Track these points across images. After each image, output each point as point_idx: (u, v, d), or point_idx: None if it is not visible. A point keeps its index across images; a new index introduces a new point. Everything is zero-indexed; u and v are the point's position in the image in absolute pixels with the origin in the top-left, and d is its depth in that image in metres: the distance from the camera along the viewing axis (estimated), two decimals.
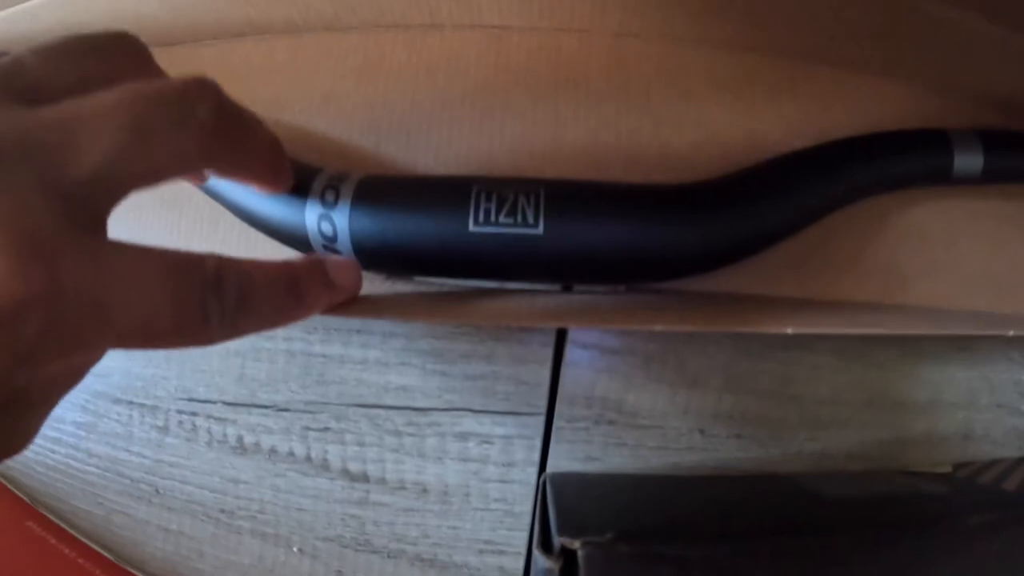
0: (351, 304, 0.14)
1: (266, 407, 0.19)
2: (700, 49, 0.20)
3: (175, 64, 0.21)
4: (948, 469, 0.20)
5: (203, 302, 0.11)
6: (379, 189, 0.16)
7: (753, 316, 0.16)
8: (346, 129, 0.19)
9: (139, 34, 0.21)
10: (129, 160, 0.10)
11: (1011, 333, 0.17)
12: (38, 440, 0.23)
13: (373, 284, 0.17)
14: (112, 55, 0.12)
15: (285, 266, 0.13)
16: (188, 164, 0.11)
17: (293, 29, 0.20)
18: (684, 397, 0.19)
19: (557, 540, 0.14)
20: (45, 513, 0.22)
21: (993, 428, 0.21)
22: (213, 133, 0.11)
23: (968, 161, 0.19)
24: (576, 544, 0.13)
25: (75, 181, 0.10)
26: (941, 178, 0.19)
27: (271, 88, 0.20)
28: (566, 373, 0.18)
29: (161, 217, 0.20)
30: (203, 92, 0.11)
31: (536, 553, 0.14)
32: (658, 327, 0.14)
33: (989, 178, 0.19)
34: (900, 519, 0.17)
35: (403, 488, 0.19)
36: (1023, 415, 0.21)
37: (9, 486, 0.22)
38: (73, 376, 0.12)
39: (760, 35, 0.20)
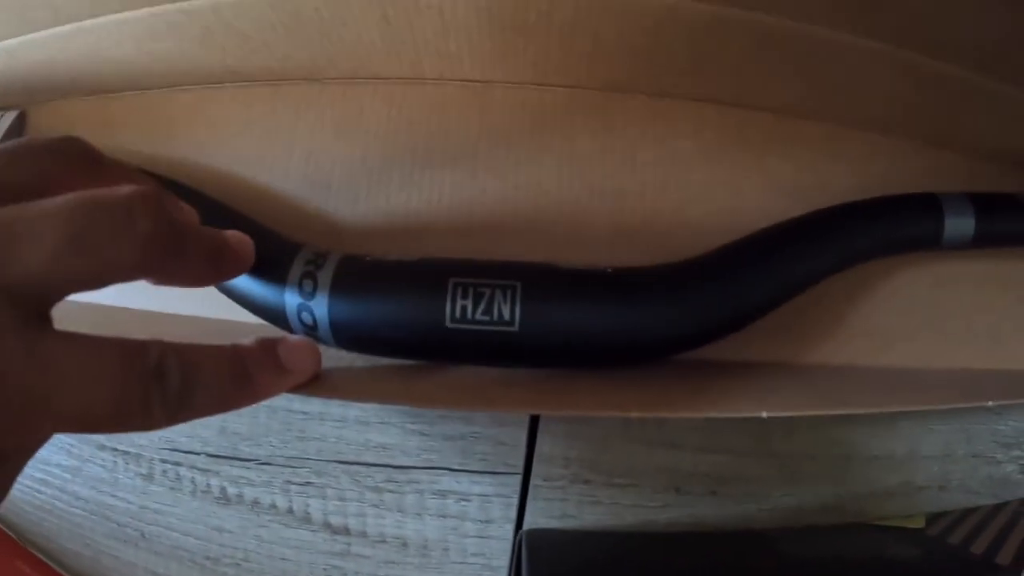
0: (311, 384, 0.14)
1: (248, 460, 0.20)
2: (687, 105, 0.19)
3: (151, 109, 0.21)
4: (920, 523, 0.21)
5: (146, 391, 0.11)
6: (356, 277, 0.16)
7: (730, 398, 0.16)
8: (324, 189, 0.19)
9: (116, 75, 0.20)
10: (66, 267, 0.10)
11: (990, 404, 0.17)
12: (25, 480, 0.23)
13: (352, 359, 0.17)
14: (65, 158, 0.12)
15: (233, 352, 0.13)
16: (125, 273, 0.11)
17: (272, 79, 0.19)
18: (660, 456, 0.19)
19: None
20: (34, 552, 0.22)
21: (969, 478, 0.21)
22: (152, 246, 0.11)
23: (959, 225, 0.19)
24: None
25: (14, 281, 0.10)
26: (932, 243, 0.19)
27: (249, 142, 0.19)
28: (543, 433, 0.18)
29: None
30: (145, 205, 0.11)
31: None
32: (634, 414, 0.14)
33: (979, 243, 0.19)
34: None
35: (384, 542, 0.19)
36: (998, 464, 0.21)
37: None
38: (23, 452, 0.12)
39: (751, 92, 0.19)
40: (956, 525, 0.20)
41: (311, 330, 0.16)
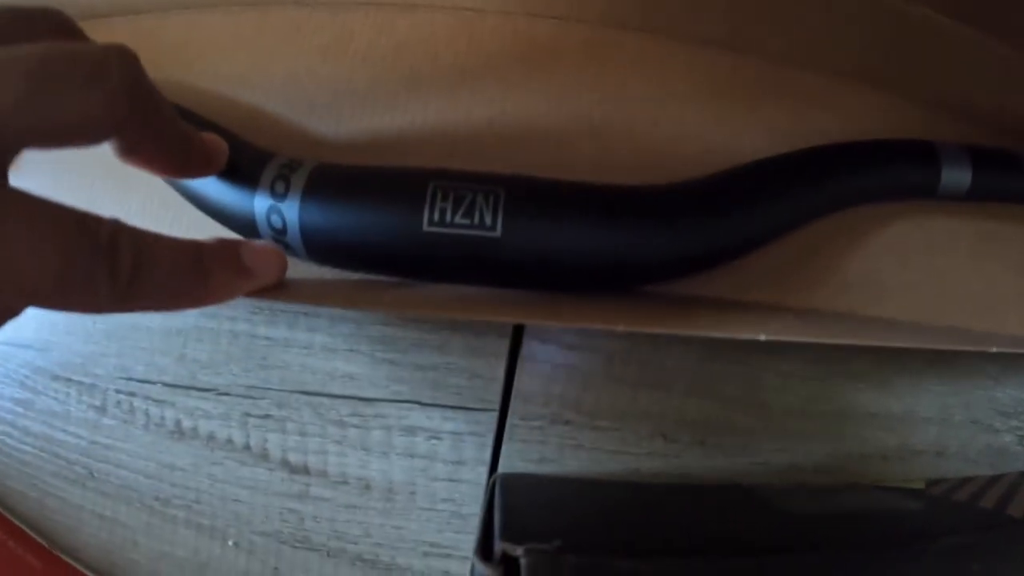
0: (272, 289, 0.14)
1: (206, 390, 0.18)
2: (681, 45, 0.19)
3: (140, 34, 0.21)
4: (921, 485, 0.20)
5: (93, 264, 0.10)
6: (331, 181, 0.15)
7: (726, 320, 0.15)
8: (306, 111, 0.18)
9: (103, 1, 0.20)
10: (29, 113, 0.10)
11: (994, 349, 0.16)
12: None
13: (322, 273, 0.16)
14: (38, 22, 0.11)
15: (192, 245, 0.12)
16: (93, 127, 0.11)
17: (261, 2, 0.19)
18: (646, 399, 0.18)
19: (499, 546, 0.13)
20: None
21: (967, 445, 0.20)
22: (124, 100, 0.11)
23: (956, 177, 0.18)
24: (518, 551, 0.12)
25: None
26: (927, 192, 0.19)
27: (234, 64, 0.19)
28: (523, 368, 0.17)
29: (111, 192, 0.19)
30: (122, 59, 0.11)
31: (474, 559, 0.13)
32: (620, 327, 0.13)
33: (974, 195, 0.19)
34: (873, 538, 0.16)
35: (345, 483, 0.18)
36: (996, 432, 0.20)
37: None
38: None
39: (745, 36, 0.19)
40: (958, 487, 0.19)
41: (280, 234, 0.15)
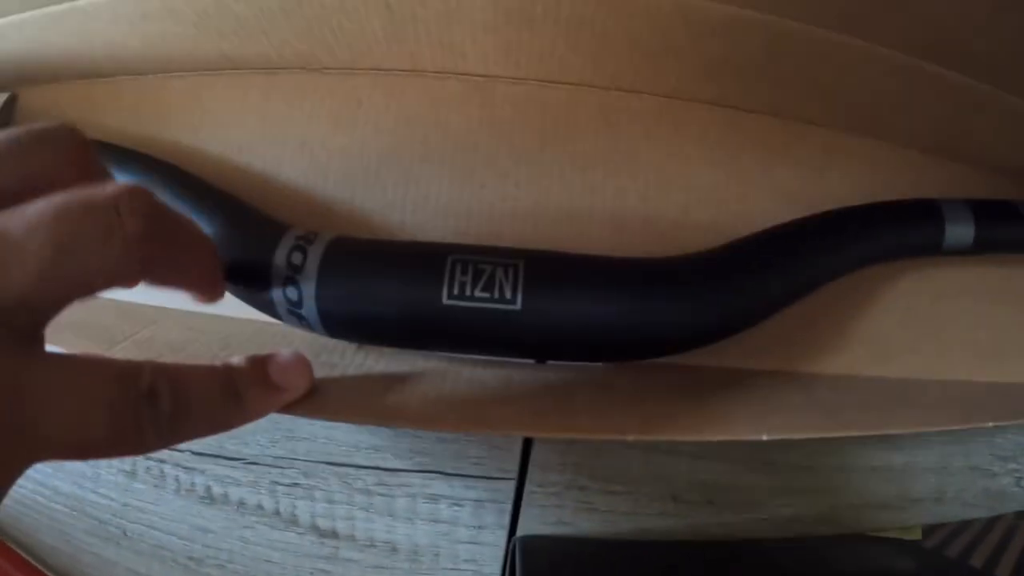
0: (302, 402, 0.14)
1: (234, 459, 0.19)
2: (692, 107, 0.19)
3: (144, 93, 0.21)
4: (918, 535, 0.21)
5: (139, 415, 0.11)
6: (349, 254, 0.15)
7: (729, 418, 0.15)
8: (319, 180, 0.18)
9: (108, 58, 0.20)
10: (54, 279, 0.10)
11: (991, 425, 0.16)
12: None
13: (343, 353, 0.17)
14: (56, 150, 0.11)
15: (223, 371, 0.13)
16: (116, 278, 0.11)
17: (268, 67, 0.19)
18: (658, 463, 0.19)
19: None
20: (13, 547, 0.22)
21: (965, 490, 0.21)
22: (141, 246, 0.11)
23: (959, 232, 0.19)
24: None
25: (2, 302, 0.09)
26: (932, 249, 0.19)
27: (243, 130, 0.19)
28: (539, 439, 0.18)
29: None
30: (132, 202, 0.11)
31: None
32: (630, 437, 0.13)
33: (979, 249, 0.19)
34: None
35: (373, 546, 0.19)
36: (995, 476, 0.21)
37: None
38: (3, 482, 0.12)
39: (755, 95, 0.19)
40: (953, 538, 0.20)
41: (295, 307, 0.16)
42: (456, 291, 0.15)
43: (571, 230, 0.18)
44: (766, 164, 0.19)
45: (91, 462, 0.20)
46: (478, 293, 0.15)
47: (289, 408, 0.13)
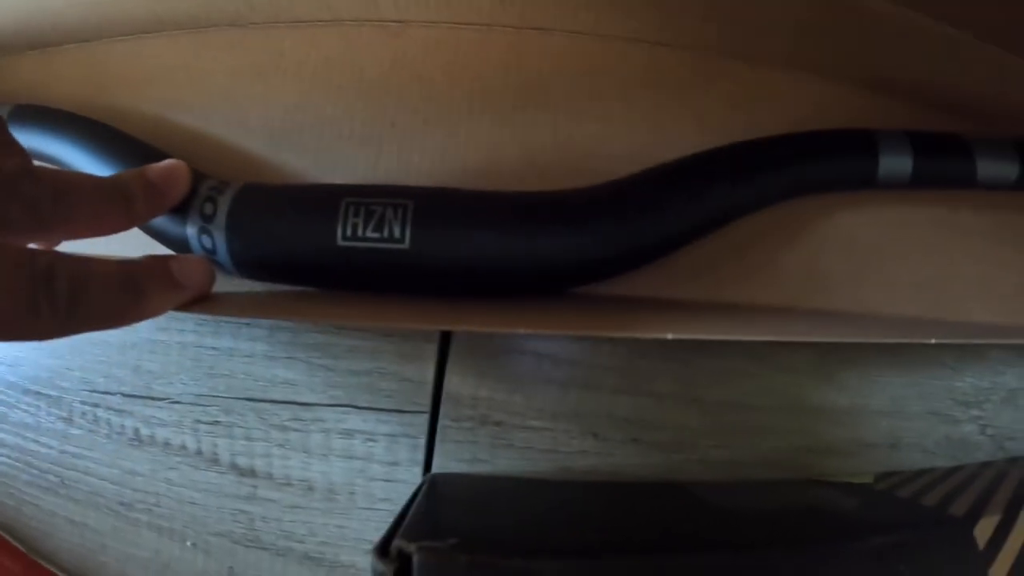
0: (208, 301, 0.14)
1: (160, 399, 0.19)
2: (605, 44, 0.19)
3: (89, 59, 0.22)
4: (869, 479, 0.19)
5: (34, 294, 0.11)
6: (254, 202, 0.16)
7: (633, 321, 0.15)
8: (241, 130, 0.19)
9: (55, 28, 0.21)
10: None
11: (933, 341, 0.16)
12: None
13: (253, 286, 0.17)
14: None
15: (124, 264, 0.13)
16: (13, 228, 0.12)
17: (198, 25, 0.20)
18: (576, 397, 0.18)
19: (396, 543, 0.13)
20: None
21: (924, 437, 0.20)
22: (36, 207, 0.12)
23: (895, 164, 0.18)
24: (411, 548, 0.13)
25: None
26: (865, 181, 0.18)
27: (174, 87, 0.20)
28: (452, 371, 0.18)
29: None
30: (26, 174, 0.12)
31: (372, 556, 0.13)
32: (521, 329, 0.13)
33: (919, 182, 0.18)
34: (796, 537, 0.15)
35: (290, 485, 0.19)
36: (957, 423, 0.20)
37: None
38: None
39: (670, 29, 0.19)
40: (907, 482, 0.19)
41: (211, 254, 0.16)
42: (349, 232, 0.15)
43: (479, 163, 0.18)
44: (686, 98, 0.19)
45: (32, 413, 0.21)
46: (369, 233, 0.15)
47: (188, 307, 0.14)
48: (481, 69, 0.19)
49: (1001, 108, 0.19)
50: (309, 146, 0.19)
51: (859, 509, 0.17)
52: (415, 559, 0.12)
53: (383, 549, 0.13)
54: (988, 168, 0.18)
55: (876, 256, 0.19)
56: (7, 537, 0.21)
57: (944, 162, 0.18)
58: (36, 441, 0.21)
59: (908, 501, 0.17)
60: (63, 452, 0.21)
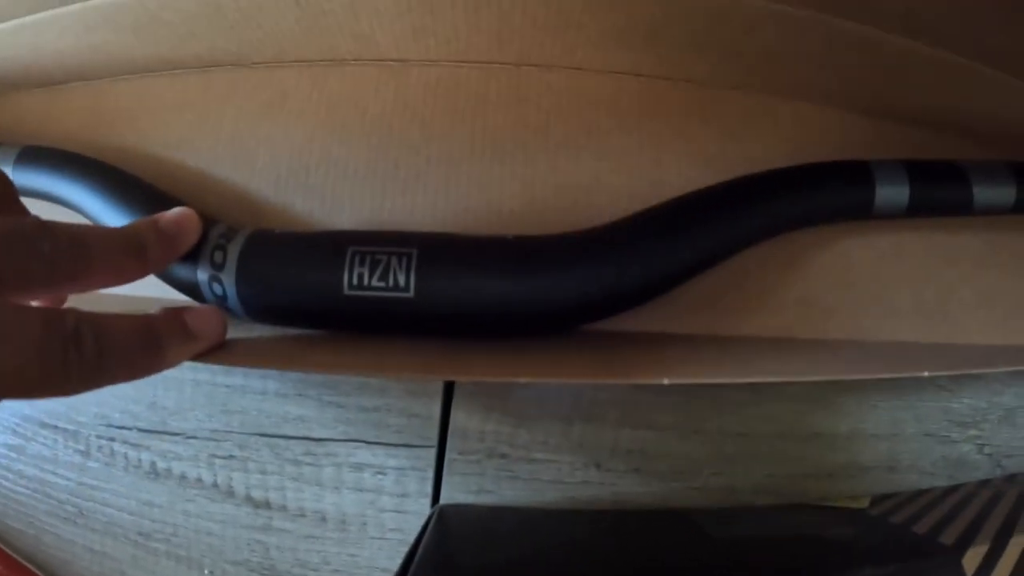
0: (222, 351, 0.15)
1: (176, 434, 0.20)
2: (604, 78, 0.20)
3: (95, 98, 0.22)
4: (865, 503, 0.20)
5: (65, 355, 0.12)
6: (262, 251, 0.17)
7: (632, 365, 0.15)
8: (248, 171, 0.19)
9: (60, 67, 0.22)
10: None
11: (926, 374, 0.16)
12: None
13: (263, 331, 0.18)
14: None
15: (143, 319, 0.14)
16: (33, 286, 0.13)
17: (202, 65, 0.20)
18: (579, 430, 0.19)
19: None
20: None
21: (921, 458, 0.20)
22: (55, 264, 0.13)
23: (892, 194, 0.18)
24: None
25: None
26: (862, 212, 0.18)
27: (180, 127, 0.20)
28: (458, 406, 0.18)
29: None
30: (44, 231, 0.13)
31: None
32: (522, 379, 0.14)
33: (916, 210, 0.18)
34: (792, 567, 0.16)
35: (303, 516, 0.19)
36: (953, 443, 0.20)
37: None
38: None
39: (669, 62, 0.19)
40: (902, 505, 0.19)
41: (222, 301, 0.17)
42: (355, 282, 0.16)
43: (481, 203, 0.19)
44: (681, 129, 0.19)
45: (50, 446, 0.22)
46: (375, 283, 0.16)
47: (203, 356, 0.14)
48: (482, 108, 0.19)
49: (1000, 130, 0.20)
50: (315, 186, 0.19)
51: (853, 538, 0.18)
52: None
53: None
54: (985, 194, 0.18)
55: (875, 284, 0.20)
56: (28, 565, 0.22)
57: (940, 190, 0.19)
58: (54, 473, 0.22)
59: (900, 528, 0.18)
60: (81, 484, 0.21)
